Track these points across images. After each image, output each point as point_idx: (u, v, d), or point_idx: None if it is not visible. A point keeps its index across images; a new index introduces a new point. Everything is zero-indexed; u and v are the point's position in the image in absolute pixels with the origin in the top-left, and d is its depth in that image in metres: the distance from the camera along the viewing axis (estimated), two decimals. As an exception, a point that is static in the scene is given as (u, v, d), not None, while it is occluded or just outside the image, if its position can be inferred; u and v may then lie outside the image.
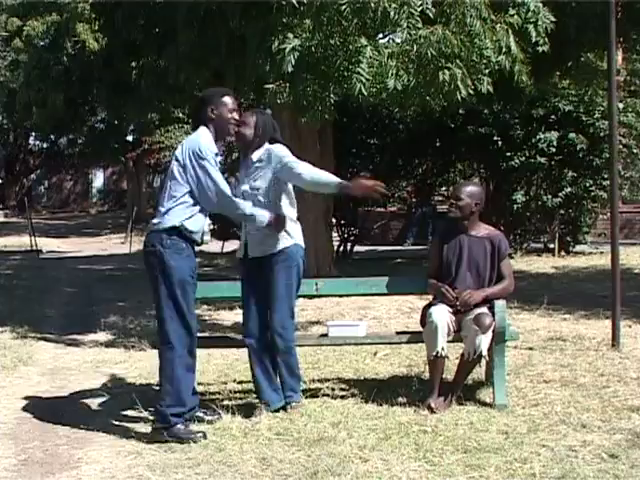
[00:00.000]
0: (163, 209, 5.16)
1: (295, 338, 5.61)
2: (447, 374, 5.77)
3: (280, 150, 5.44)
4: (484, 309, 5.58)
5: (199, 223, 5.19)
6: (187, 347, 5.12)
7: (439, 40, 7.33)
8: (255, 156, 5.48)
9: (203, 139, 5.19)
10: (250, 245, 5.52)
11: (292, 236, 5.47)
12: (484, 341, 5.45)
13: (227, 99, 5.30)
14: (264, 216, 5.30)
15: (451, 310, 5.66)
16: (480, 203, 5.81)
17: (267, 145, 5.48)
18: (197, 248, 5.27)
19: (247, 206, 5.30)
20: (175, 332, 5.09)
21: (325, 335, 6.06)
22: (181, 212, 5.13)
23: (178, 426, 5.03)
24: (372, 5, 7.23)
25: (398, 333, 6.32)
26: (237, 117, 5.34)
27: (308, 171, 5.36)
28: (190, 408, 5.18)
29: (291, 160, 5.39)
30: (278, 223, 5.37)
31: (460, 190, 5.84)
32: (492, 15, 7.78)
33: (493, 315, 5.55)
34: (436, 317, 5.55)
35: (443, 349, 5.53)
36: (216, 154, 5.18)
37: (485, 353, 5.49)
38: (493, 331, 5.52)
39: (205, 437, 4.97)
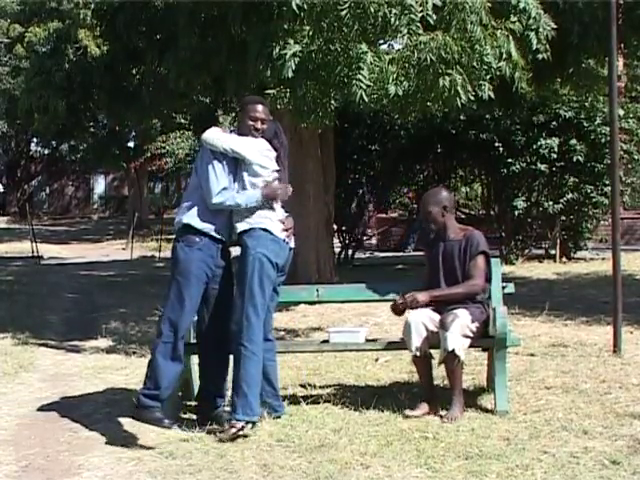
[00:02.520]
0: (182, 207, 5.44)
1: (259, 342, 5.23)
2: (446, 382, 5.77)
3: None
4: (459, 310, 5.56)
5: (207, 219, 5.27)
6: (174, 336, 5.19)
7: (439, 46, 7.33)
8: None
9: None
10: None
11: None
12: (449, 338, 5.43)
13: (249, 107, 5.43)
14: (255, 195, 5.27)
15: (431, 310, 5.67)
16: (448, 205, 5.83)
17: None
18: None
19: (236, 196, 5.25)
20: (167, 318, 5.24)
21: (326, 341, 6.06)
22: (190, 210, 5.32)
23: (150, 410, 5.12)
24: (372, 11, 7.23)
25: (398, 340, 6.30)
26: (257, 126, 5.38)
27: None
28: (164, 398, 5.20)
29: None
30: (269, 190, 5.30)
31: (425, 204, 5.89)
32: (493, 21, 7.78)
33: (487, 315, 5.62)
34: (411, 318, 5.62)
35: (418, 348, 5.56)
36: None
37: (456, 349, 5.44)
38: (481, 330, 5.59)
39: (170, 426, 5.07)
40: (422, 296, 5.69)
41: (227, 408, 5.52)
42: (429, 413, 5.48)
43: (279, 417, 5.44)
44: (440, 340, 5.51)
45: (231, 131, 5.56)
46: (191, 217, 5.30)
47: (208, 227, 5.28)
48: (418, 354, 5.59)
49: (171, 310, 5.23)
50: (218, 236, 5.30)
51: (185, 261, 5.25)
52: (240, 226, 5.30)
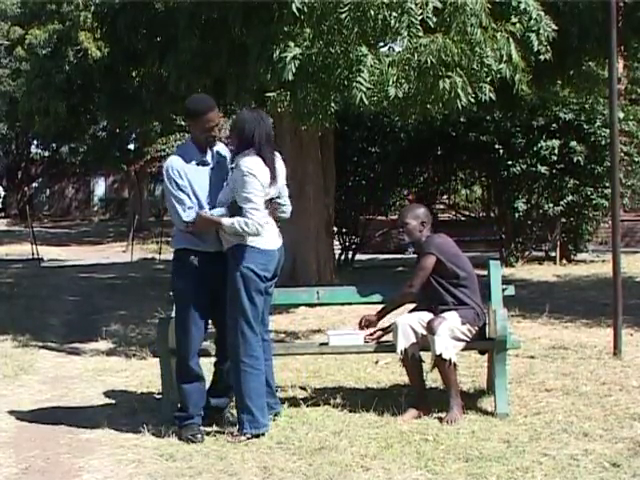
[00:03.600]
0: (173, 229, 5.45)
1: (256, 355, 5.18)
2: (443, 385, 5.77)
3: (238, 172, 5.09)
4: (448, 312, 5.58)
5: (195, 238, 5.21)
6: (184, 358, 5.27)
7: (439, 48, 7.34)
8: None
9: (170, 158, 5.28)
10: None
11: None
12: (437, 342, 5.45)
13: (202, 119, 5.19)
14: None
15: (427, 313, 5.67)
16: (426, 222, 5.82)
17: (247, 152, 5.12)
18: None
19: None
20: (178, 341, 5.33)
21: (326, 344, 6.06)
22: (178, 234, 5.32)
23: (185, 427, 5.19)
24: (372, 14, 7.24)
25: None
26: (214, 134, 5.21)
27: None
28: (195, 414, 5.26)
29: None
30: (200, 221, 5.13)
31: (404, 215, 5.90)
32: (493, 23, 7.79)
33: (484, 318, 5.64)
34: (399, 320, 5.66)
35: (403, 351, 5.58)
36: (199, 162, 5.21)
37: (444, 353, 5.45)
38: (477, 333, 5.62)
39: (201, 440, 5.08)
40: (372, 316, 5.91)
41: (228, 410, 5.53)
42: (419, 416, 5.49)
43: (277, 415, 5.45)
44: (430, 344, 5.53)
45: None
46: (180, 241, 5.29)
47: (199, 246, 5.22)
48: (401, 356, 5.63)
49: (178, 333, 5.31)
50: (211, 250, 5.23)
51: (180, 284, 5.28)
52: (227, 242, 5.17)
